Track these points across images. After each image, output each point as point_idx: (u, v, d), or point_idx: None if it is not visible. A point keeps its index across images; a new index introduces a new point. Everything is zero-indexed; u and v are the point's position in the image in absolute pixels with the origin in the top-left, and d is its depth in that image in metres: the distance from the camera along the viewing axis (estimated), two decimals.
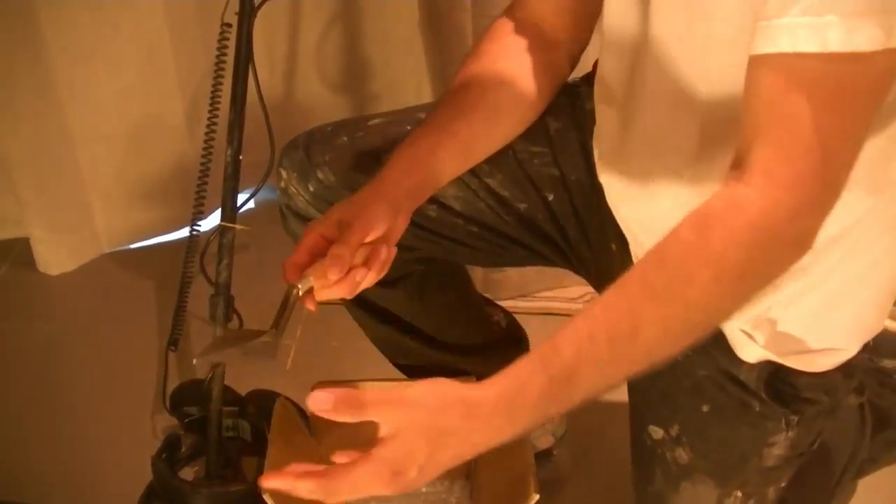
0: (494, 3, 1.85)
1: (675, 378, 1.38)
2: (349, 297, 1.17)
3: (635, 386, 1.46)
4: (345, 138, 1.45)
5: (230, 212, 1.65)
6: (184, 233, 2.17)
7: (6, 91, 2.13)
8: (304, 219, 1.41)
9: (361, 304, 1.61)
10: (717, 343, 1.28)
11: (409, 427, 0.98)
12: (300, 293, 1.14)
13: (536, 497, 1.43)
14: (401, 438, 0.98)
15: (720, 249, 0.96)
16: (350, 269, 1.13)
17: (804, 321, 1.23)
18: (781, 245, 0.97)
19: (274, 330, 1.17)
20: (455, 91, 1.31)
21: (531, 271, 2.18)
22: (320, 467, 0.99)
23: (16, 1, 2.05)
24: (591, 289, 2.14)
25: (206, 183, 1.82)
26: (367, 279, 1.16)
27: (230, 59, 1.63)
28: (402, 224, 1.20)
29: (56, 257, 2.38)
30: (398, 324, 1.62)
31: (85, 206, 2.34)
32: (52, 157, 2.24)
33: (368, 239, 1.15)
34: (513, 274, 2.20)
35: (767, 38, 0.91)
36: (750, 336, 1.23)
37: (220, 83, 1.69)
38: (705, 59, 1.08)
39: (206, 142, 1.75)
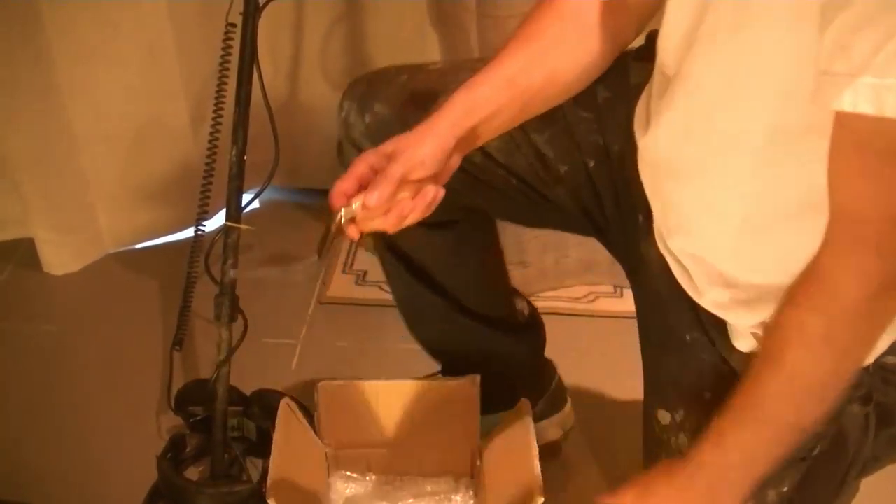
0: (498, 4, 1.86)
1: (683, 360, 1.38)
2: (392, 230, 1.19)
3: (649, 369, 1.47)
4: (405, 77, 1.48)
5: (235, 212, 1.65)
6: (188, 233, 2.18)
7: (9, 92, 2.13)
8: (359, 150, 1.42)
9: (396, 252, 1.62)
10: (718, 328, 1.28)
11: None
12: (343, 220, 1.14)
13: (542, 499, 1.43)
14: None
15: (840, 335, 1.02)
16: (397, 203, 1.16)
17: None
18: (870, 317, 1.02)
19: (316, 257, 1.18)
20: (517, 43, 1.30)
21: (533, 271, 2.18)
22: None
23: (18, 1, 2.05)
24: (594, 289, 2.14)
25: (210, 183, 1.82)
26: (412, 215, 1.18)
27: (234, 59, 1.63)
28: (452, 166, 1.22)
29: (60, 258, 2.37)
30: (427, 281, 1.62)
31: (89, 206, 2.34)
32: (55, 157, 2.24)
33: (415, 175, 1.17)
34: (515, 274, 2.20)
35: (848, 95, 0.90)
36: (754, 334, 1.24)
37: (225, 83, 1.69)
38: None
39: (210, 142, 1.75)
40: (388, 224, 1.18)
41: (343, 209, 1.15)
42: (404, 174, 1.17)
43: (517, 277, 2.20)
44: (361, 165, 1.19)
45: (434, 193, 1.20)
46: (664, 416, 1.44)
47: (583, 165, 1.44)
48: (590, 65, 1.32)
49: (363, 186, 1.18)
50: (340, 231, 1.17)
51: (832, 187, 0.97)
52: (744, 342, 1.26)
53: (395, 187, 1.16)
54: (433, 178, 1.21)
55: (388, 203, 1.17)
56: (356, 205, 1.15)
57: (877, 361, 1.32)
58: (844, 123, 0.92)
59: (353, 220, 1.17)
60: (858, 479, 1.68)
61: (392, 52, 2.32)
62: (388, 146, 1.21)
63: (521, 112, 1.30)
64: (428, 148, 1.19)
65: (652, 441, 1.46)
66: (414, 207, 1.18)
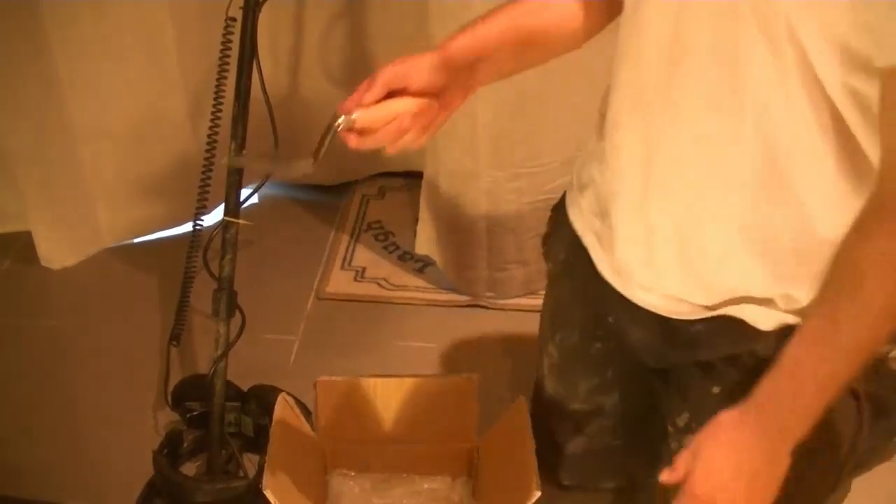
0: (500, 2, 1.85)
1: (687, 367, 1.40)
2: (391, 148, 1.21)
3: (654, 384, 1.49)
4: None
5: (234, 206, 1.65)
6: (185, 228, 2.18)
7: (9, 86, 2.13)
8: None
9: None
10: (731, 330, 1.30)
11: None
12: (340, 125, 1.16)
13: (538, 493, 1.43)
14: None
15: (880, 255, 1.05)
16: (397, 116, 1.18)
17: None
18: None
19: (310, 159, 1.20)
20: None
21: (534, 269, 2.18)
22: None
23: None
24: None
25: (209, 178, 1.82)
26: (412, 132, 1.21)
27: (234, 54, 1.62)
28: (457, 97, 1.26)
29: (58, 252, 2.37)
30: None
31: (87, 201, 2.34)
32: (54, 152, 2.23)
33: (414, 83, 1.20)
34: (518, 273, 2.20)
35: None
36: (773, 305, 1.28)
37: (224, 78, 1.69)
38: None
39: (209, 137, 1.75)
40: (387, 136, 1.20)
41: (343, 115, 1.16)
42: (397, 74, 1.19)
43: (517, 276, 2.21)
44: (367, 83, 1.21)
45: (440, 116, 1.23)
46: (670, 424, 1.46)
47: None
48: (588, 20, 1.36)
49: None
50: (334, 133, 1.19)
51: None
52: (767, 320, 1.30)
53: (386, 86, 1.18)
54: (440, 105, 1.24)
55: (385, 115, 1.18)
56: (356, 114, 1.17)
57: None
58: None
59: (353, 129, 1.18)
60: (855, 473, 1.69)
61: (391, 48, 2.32)
62: (396, 61, 1.23)
63: (521, 55, 1.34)
64: (429, 61, 1.22)
65: (657, 447, 1.48)
66: (413, 124, 1.20)
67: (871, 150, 1.11)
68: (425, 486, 1.72)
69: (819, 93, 1.08)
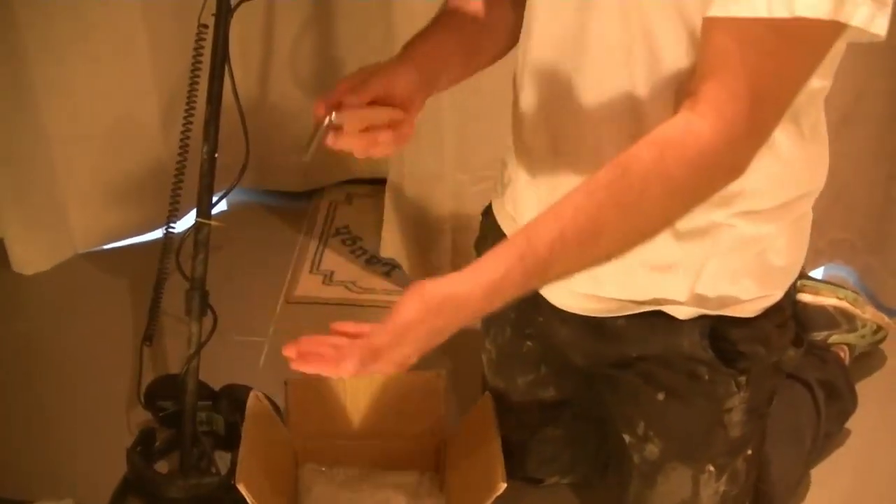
0: None
1: (629, 377, 1.46)
2: (361, 153, 1.26)
3: (605, 396, 1.54)
4: None
5: (206, 208, 1.68)
6: (158, 234, 2.20)
7: None
8: None
9: None
10: (657, 325, 1.36)
11: (411, 340, 1.15)
12: (332, 121, 1.21)
13: (504, 485, 1.47)
14: (404, 347, 1.15)
15: (673, 169, 1.09)
16: (373, 128, 1.24)
17: (719, 280, 1.34)
18: (722, 169, 1.12)
19: (305, 155, 1.23)
20: (451, 6, 1.40)
21: None
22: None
23: None
24: None
25: (181, 182, 1.85)
26: (383, 144, 1.26)
27: (206, 60, 1.65)
28: (419, 103, 1.30)
29: (30, 257, 2.38)
30: None
31: (60, 205, 2.35)
32: (27, 156, 2.24)
33: (398, 98, 1.26)
34: None
35: (726, 4, 1.04)
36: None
37: (197, 84, 1.72)
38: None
39: (181, 142, 1.78)
40: (362, 142, 1.25)
41: (334, 113, 1.20)
42: (382, 87, 1.25)
43: None
44: (344, 84, 1.25)
45: (408, 126, 1.28)
46: (626, 437, 1.51)
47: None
48: (515, 23, 1.40)
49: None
50: (327, 131, 1.23)
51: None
52: (682, 310, 1.37)
53: (373, 95, 1.24)
54: (406, 113, 1.28)
55: (365, 119, 1.24)
56: (344, 114, 1.22)
57: (807, 338, 1.43)
58: (735, 28, 1.06)
59: (337, 127, 1.23)
60: (813, 459, 1.75)
61: (360, 54, 2.35)
62: (365, 71, 1.28)
63: (468, 62, 1.39)
64: (402, 72, 1.27)
65: (621, 460, 1.54)
66: (386, 136, 1.25)
67: None
68: (394, 480, 1.76)
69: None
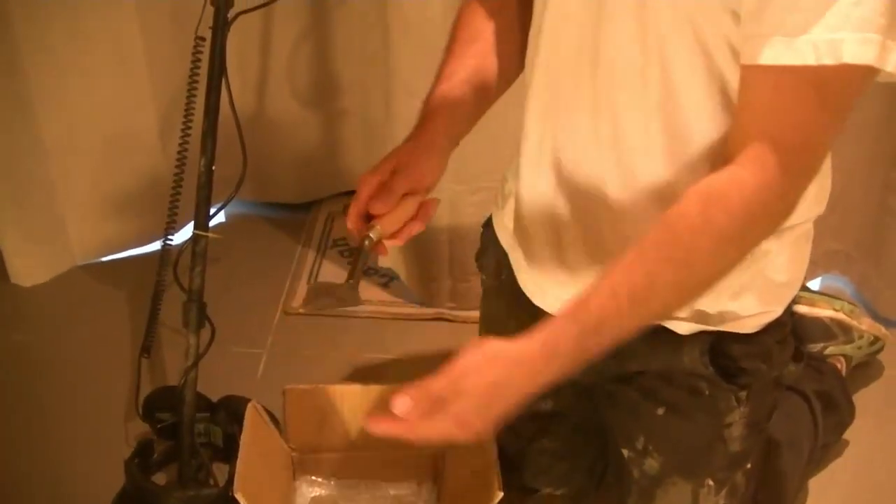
0: None
1: (629, 392, 1.46)
2: (401, 243, 1.29)
3: (605, 410, 1.54)
4: None
5: (203, 220, 1.68)
6: (155, 246, 2.20)
7: None
8: None
9: None
10: (658, 341, 1.36)
11: (469, 390, 1.11)
12: (374, 243, 1.23)
13: (500, 494, 1.47)
14: (463, 399, 1.11)
15: (720, 221, 1.09)
16: (405, 224, 1.27)
17: (720, 296, 1.34)
18: (769, 216, 1.12)
19: (352, 281, 1.25)
20: (461, 47, 1.39)
21: None
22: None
23: None
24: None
25: (178, 194, 1.85)
26: (416, 230, 1.29)
27: (203, 72, 1.65)
28: (443, 168, 1.31)
29: (28, 269, 2.38)
30: None
31: (58, 217, 2.35)
32: (25, 168, 2.25)
33: (419, 188, 1.27)
34: (478, 285, 2.23)
35: (772, 51, 1.03)
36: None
37: (194, 97, 1.72)
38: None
39: (179, 154, 1.78)
40: (399, 241, 1.28)
41: (371, 232, 1.22)
42: (409, 185, 1.26)
43: (478, 288, 2.24)
44: (367, 188, 1.26)
45: (434, 207, 1.29)
46: (626, 451, 1.51)
47: None
48: (518, 54, 1.40)
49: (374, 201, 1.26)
50: (370, 252, 1.25)
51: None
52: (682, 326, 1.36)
53: (401, 194, 1.25)
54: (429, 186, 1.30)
55: (401, 217, 1.26)
56: (379, 227, 1.24)
57: (805, 350, 1.42)
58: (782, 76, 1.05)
59: (377, 241, 1.25)
60: (810, 472, 1.75)
61: (357, 67, 2.36)
62: (389, 162, 1.28)
63: (478, 110, 1.39)
64: (425, 159, 1.28)
65: (620, 474, 1.54)
66: (418, 224, 1.28)
67: None
68: (391, 492, 1.76)
69: (725, 89, 1.15)
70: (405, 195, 1.26)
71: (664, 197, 1.23)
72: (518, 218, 1.47)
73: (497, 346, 1.13)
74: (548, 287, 1.43)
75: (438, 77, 1.36)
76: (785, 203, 1.12)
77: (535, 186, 1.39)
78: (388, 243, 1.27)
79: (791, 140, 1.07)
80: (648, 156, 1.23)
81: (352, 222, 1.26)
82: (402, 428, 1.12)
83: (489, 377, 1.11)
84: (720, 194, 1.09)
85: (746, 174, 1.08)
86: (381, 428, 1.14)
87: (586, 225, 1.34)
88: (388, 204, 1.24)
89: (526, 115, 1.37)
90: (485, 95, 1.38)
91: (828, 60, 1.01)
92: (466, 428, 1.11)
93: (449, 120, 1.33)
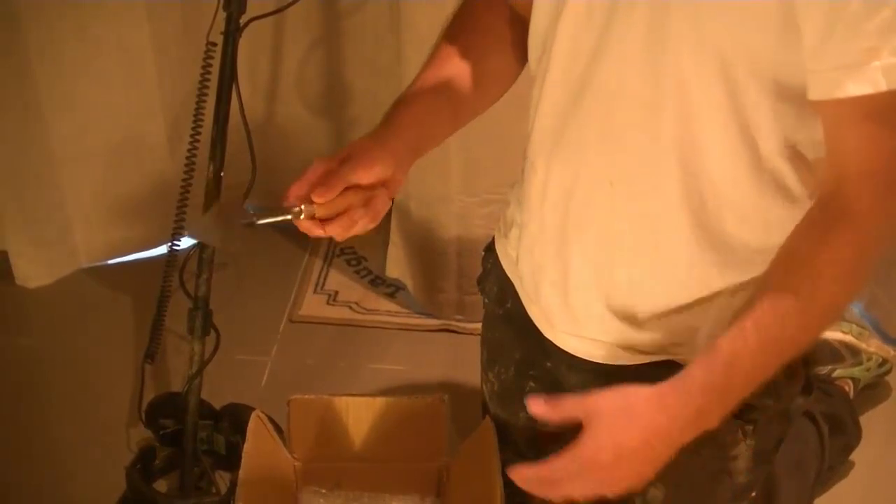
0: None
1: None
2: (341, 237, 1.22)
3: None
4: None
5: None
6: (161, 251, 2.20)
7: None
8: None
9: None
10: (663, 374, 1.34)
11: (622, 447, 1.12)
12: (297, 214, 1.18)
13: None
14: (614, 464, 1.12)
15: (840, 254, 1.11)
16: (347, 209, 1.20)
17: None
18: (883, 240, 1.12)
19: (252, 220, 1.20)
20: (441, 61, 1.36)
21: None
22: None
23: (0, 18, 2.07)
24: None
25: (186, 200, 1.84)
26: (361, 222, 1.22)
27: (214, 78, 1.65)
28: (400, 177, 1.26)
29: (34, 271, 2.38)
30: None
31: (64, 221, 2.36)
32: (33, 172, 2.25)
33: (366, 180, 1.21)
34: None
35: (840, 85, 1.03)
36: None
37: (204, 102, 1.72)
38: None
39: (187, 160, 1.78)
40: (339, 227, 1.22)
41: (303, 206, 1.19)
42: (356, 177, 1.20)
43: None
44: (316, 170, 1.22)
45: (383, 204, 1.24)
46: None
47: None
48: (505, 72, 1.39)
49: (317, 187, 1.21)
50: (287, 222, 1.21)
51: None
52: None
53: (345, 185, 1.20)
54: (383, 187, 1.24)
55: (338, 206, 1.20)
56: (315, 207, 1.19)
57: (813, 374, 1.40)
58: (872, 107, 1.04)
59: (309, 216, 1.21)
60: (817, 492, 1.74)
61: (367, 76, 2.35)
62: (343, 151, 1.24)
63: (454, 123, 1.36)
64: (378, 154, 1.23)
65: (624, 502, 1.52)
66: (363, 215, 1.21)
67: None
68: (395, 503, 1.75)
69: (746, 125, 1.13)
70: (350, 188, 1.22)
71: (682, 239, 1.22)
72: (522, 252, 1.45)
73: (642, 389, 1.12)
74: (557, 322, 1.42)
75: (416, 80, 1.35)
76: (889, 227, 1.13)
77: (542, 223, 1.37)
78: (328, 231, 1.22)
79: (884, 163, 1.08)
80: (661, 197, 1.22)
81: (289, 197, 1.20)
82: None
83: (648, 419, 1.12)
84: (833, 226, 1.11)
85: (851, 203, 1.09)
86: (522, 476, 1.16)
87: (598, 265, 1.32)
88: (329, 190, 1.19)
89: (531, 148, 1.35)
90: (457, 109, 1.36)
91: None
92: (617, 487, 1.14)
93: (409, 126, 1.29)
